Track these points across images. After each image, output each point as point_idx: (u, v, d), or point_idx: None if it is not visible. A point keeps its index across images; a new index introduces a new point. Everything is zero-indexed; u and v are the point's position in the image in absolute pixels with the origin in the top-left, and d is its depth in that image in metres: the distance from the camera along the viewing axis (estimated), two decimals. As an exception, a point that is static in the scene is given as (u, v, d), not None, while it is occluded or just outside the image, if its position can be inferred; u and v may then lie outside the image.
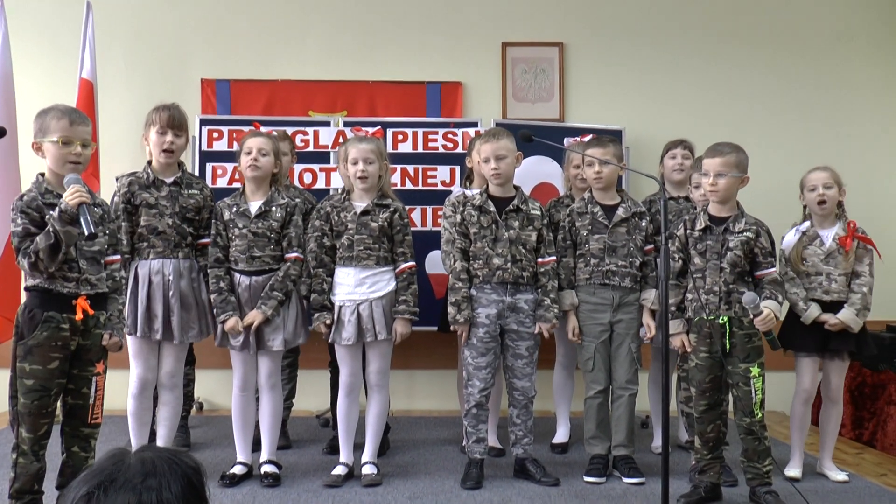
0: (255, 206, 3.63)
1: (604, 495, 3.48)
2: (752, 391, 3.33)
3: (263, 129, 3.80)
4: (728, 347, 3.36)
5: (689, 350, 3.46)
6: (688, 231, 3.49)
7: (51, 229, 2.75)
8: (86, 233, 2.73)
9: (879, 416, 4.54)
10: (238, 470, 3.63)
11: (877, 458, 4.26)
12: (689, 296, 3.48)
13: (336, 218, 3.69)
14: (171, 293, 3.54)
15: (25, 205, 2.83)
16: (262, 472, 3.62)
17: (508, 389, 3.74)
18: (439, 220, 4.45)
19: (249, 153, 3.61)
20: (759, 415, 3.34)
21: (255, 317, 3.55)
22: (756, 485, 3.37)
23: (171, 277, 3.54)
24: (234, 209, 3.64)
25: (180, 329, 3.55)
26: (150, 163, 3.66)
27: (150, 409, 3.70)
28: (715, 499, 3.41)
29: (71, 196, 2.75)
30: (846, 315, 3.63)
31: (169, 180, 3.61)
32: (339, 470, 3.66)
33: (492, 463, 3.87)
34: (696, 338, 3.45)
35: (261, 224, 3.60)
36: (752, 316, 3.25)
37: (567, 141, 4.34)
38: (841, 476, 3.74)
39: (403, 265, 3.70)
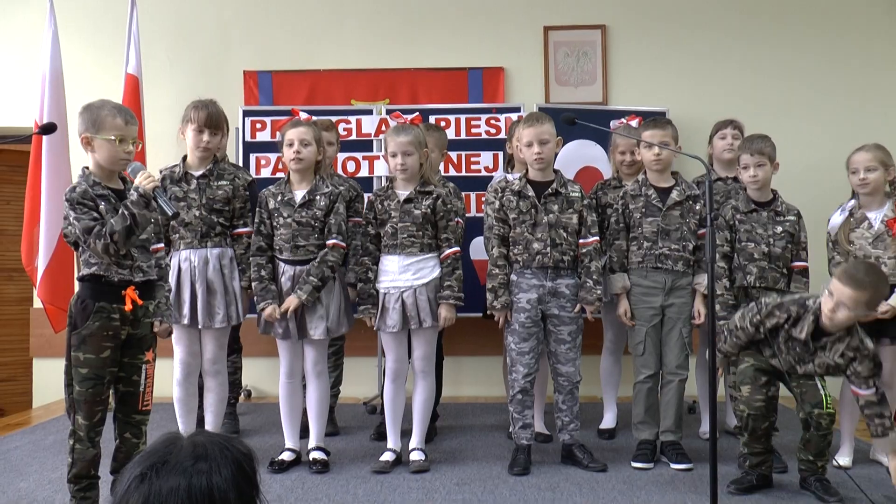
0: (299, 194, 3.65)
1: (651, 481, 3.46)
2: (819, 383, 3.21)
3: (303, 115, 3.80)
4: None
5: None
6: (735, 214, 3.47)
7: (126, 213, 2.82)
8: (169, 213, 2.89)
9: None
10: (287, 456, 3.67)
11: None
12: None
13: (380, 206, 3.71)
14: (196, 279, 3.61)
15: (80, 196, 2.88)
16: (310, 458, 3.66)
17: (553, 375, 3.72)
18: (482, 206, 4.44)
19: (291, 145, 3.61)
20: (830, 409, 3.17)
21: (291, 302, 3.57)
22: (807, 475, 3.28)
23: (197, 265, 3.62)
24: (279, 198, 3.66)
25: (204, 314, 3.61)
26: (185, 158, 3.74)
27: (196, 395, 3.77)
28: (765, 486, 3.35)
29: (146, 180, 2.86)
30: None
31: (198, 174, 3.68)
32: (387, 456, 3.68)
33: (539, 449, 3.86)
34: None
35: (305, 213, 3.62)
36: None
37: (613, 124, 4.29)
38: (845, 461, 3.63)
39: (448, 251, 3.70)
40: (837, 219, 3.71)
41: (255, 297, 3.65)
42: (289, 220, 3.62)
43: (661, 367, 3.75)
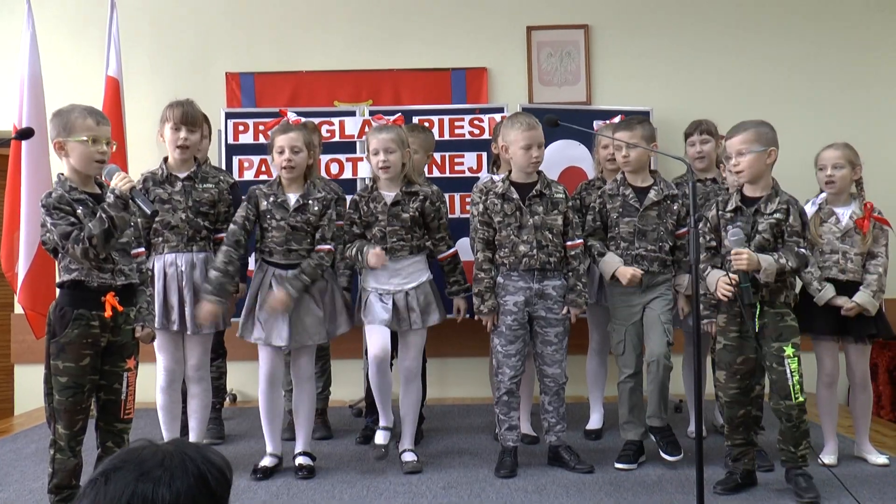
0: (292, 198, 3.59)
1: (638, 482, 3.45)
2: (788, 371, 3.21)
3: (291, 118, 3.75)
4: (757, 327, 3.26)
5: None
6: (719, 212, 3.41)
7: (104, 216, 2.79)
8: (148, 212, 2.86)
9: (920, 395, 4.45)
10: (268, 462, 3.64)
11: (919, 439, 4.18)
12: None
13: (365, 208, 3.68)
14: (184, 284, 3.57)
15: (56, 201, 2.86)
16: (296, 464, 3.62)
17: (539, 377, 3.71)
18: (468, 207, 4.43)
19: (282, 152, 3.55)
20: (799, 398, 3.20)
21: (282, 297, 3.46)
22: (790, 467, 3.29)
23: (184, 269, 3.58)
24: (271, 199, 3.59)
25: (192, 320, 3.56)
26: (166, 159, 3.69)
27: (180, 401, 3.74)
28: (750, 484, 3.36)
29: (122, 182, 2.83)
30: (862, 298, 3.53)
31: (182, 175, 3.64)
32: (381, 438, 3.69)
33: (525, 451, 3.85)
34: (725, 318, 3.37)
35: (299, 217, 3.57)
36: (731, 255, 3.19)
37: (597, 124, 4.29)
38: (881, 459, 3.65)
39: (445, 252, 3.72)
40: (809, 211, 3.71)
41: (208, 287, 3.49)
42: (282, 223, 3.56)
43: (642, 365, 3.73)
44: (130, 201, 2.84)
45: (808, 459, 3.27)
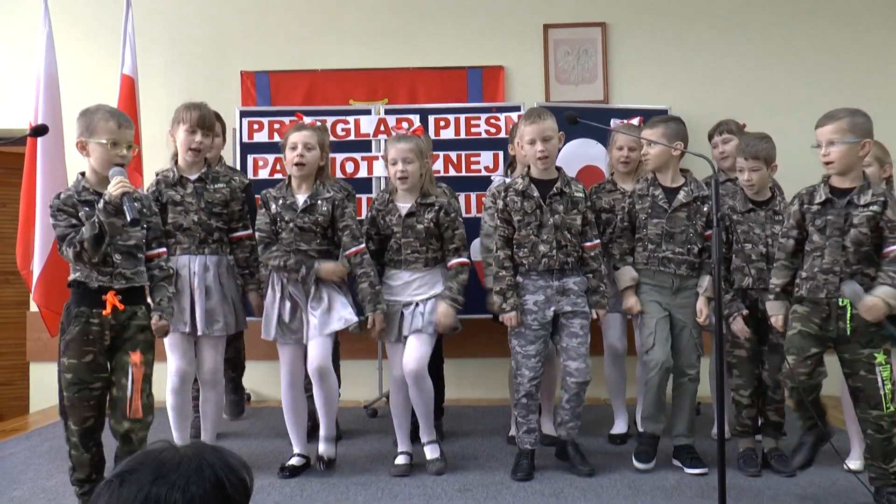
0: (301, 199, 3.58)
1: (657, 486, 3.40)
2: (879, 380, 2.98)
3: (307, 120, 3.73)
4: (849, 331, 3.04)
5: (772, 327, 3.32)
6: (804, 206, 3.18)
7: (96, 220, 2.82)
8: (128, 218, 2.80)
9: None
10: (296, 461, 3.63)
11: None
12: (804, 274, 3.16)
13: (382, 221, 3.67)
14: (196, 286, 3.55)
15: (62, 203, 2.93)
16: (319, 454, 3.64)
17: (563, 373, 3.60)
18: (482, 211, 4.38)
19: (294, 149, 3.54)
20: (891, 408, 2.98)
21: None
22: (880, 485, 3.05)
23: (196, 271, 3.56)
24: (281, 202, 3.59)
25: (204, 321, 3.55)
26: (176, 161, 3.67)
27: (190, 402, 3.73)
28: (822, 442, 3.26)
29: (114, 187, 2.82)
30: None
31: (193, 177, 3.62)
32: (402, 460, 3.66)
33: (543, 452, 3.78)
34: (808, 309, 3.13)
35: (307, 218, 3.56)
36: (857, 309, 2.97)
37: (613, 123, 4.24)
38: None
39: (455, 260, 3.67)
40: None
41: (301, 267, 3.49)
42: (290, 224, 3.56)
43: (670, 363, 3.64)
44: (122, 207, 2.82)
45: (833, 467, 3.18)
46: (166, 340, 3.48)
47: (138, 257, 3.02)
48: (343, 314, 3.55)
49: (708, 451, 3.66)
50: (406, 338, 3.63)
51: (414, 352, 3.60)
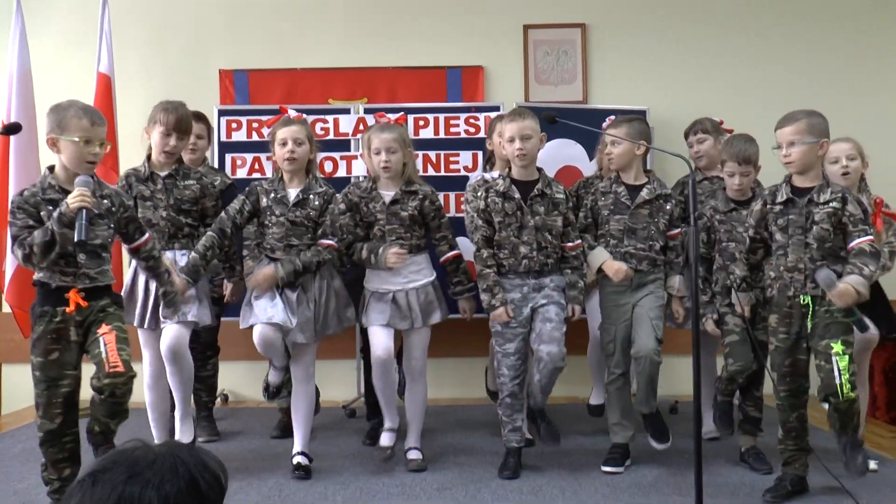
0: (292, 193, 3.56)
1: (635, 484, 3.42)
2: (836, 369, 3.03)
3: (292, 113, 3.68)
4: (809, 328, 3.13)
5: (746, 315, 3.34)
6: (767, 206, 3.25)
7: (49, 227, 2.78)
8: (75, 238, 2.74)
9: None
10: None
11: (915, 441, 4.15)
12: (772, 274, 3.23)
13: (365, 209, 3.65)
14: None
15: (24, 201, 2.89)
16: (293, 462, 3.58)
17: (536, 359, 3.56)
18: (462, 206, 4.38)
19: (284, 144, 3.52)
20: (849, 395, 3.00)
21: (268, 272, 3.44)
22: (792, 459, 3.24)
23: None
24: (272, 195, 3.56)
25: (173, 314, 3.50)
26: (149, 157, 3.64)
27: (168, 398, 3.69)
28: (801, 491, 3.23)
29: (74, 199, 2.76)
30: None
31: (164, 173, 3.59)
32: (386, 439, 3.68)
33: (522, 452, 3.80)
34: (776, 318, 3.23)
35: (299, 213, 3.54)
36: (828, 295, 3.00)
37: (605, 124, 4.25)
38: (870, 465, 3.53)
39: (448, 254, 3.69)
40: None
41: (184, 269, 3.45)
42: (281, 218, 3.53)
43: (629, 366, 3.68)
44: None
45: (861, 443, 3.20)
46: (140, 337, 3.46)
47: (103, 256, 2.98)
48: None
49: (686, 449, 3.67)
50: (402, 331, 3.66)
51: (417, 349, 3.67)
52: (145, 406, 3.68)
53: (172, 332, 3.50)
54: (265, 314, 3.42)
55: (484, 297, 3.59)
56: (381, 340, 3.60)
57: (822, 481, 3.27)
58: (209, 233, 3.52)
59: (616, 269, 3.61)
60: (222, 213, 3.56)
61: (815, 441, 3.41)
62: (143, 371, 3.59)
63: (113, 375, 2.81)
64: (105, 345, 2.86)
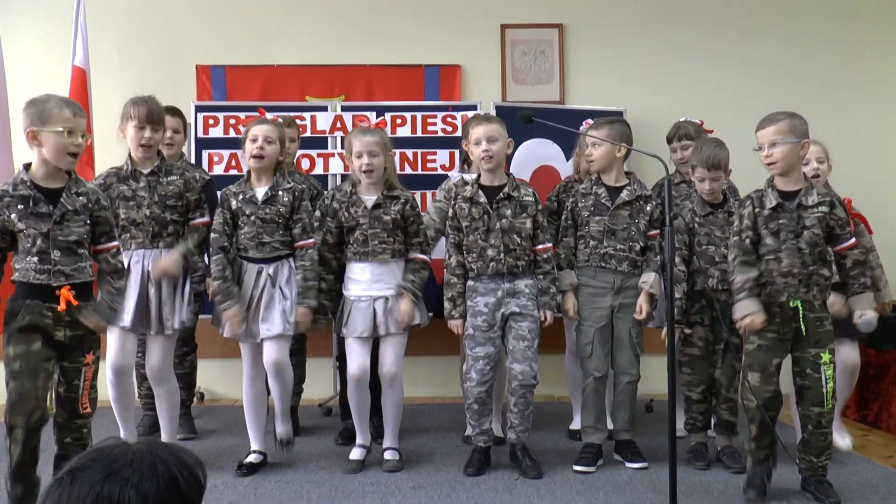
0: (261, 192, 3.56)
1: (609, 481, 3.44)
2: (823, 378, 3.10)
3: (269, 116, 3.70)
4: (804, 331, 3.13)
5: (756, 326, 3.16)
6: (756, 210, 3.23)
7: None
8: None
9: (884, 396, 4.49)
10: (254, 458, 3.62)
11: (882, 440, 4.22)
12: (762, 279, 3.19)
13: (346, 214, 3.63)
14: (149, 282, 3.48)
15: None
16: (276, 436, 3.72)
17: (509, 376, 3.63)
18: (430, 205, 4.36)
19: (255, 141, 3.53)
20: (829, 405, 3.12)
21: (304, 315, 3.52)
22: (809, 475, 3.22)
23: (149, 268, 3.48)
24: (241, 197, 3.57)
25: (156, 320, 3.48)
26: (130, 155, 3.61)
27: (132, 393, 3.68)
28: (769, 476, 3.29)
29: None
30: (868, 301, 3.28)
31: (146, 171, 3.56)
32: (356, 454, 3.68)
33: (494, 451, 3.78)
34: (763, 319, 3.18)
35: (269, 210, 3.54)
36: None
37: (583, 127, 4.27)
38: (845, 442, 3.66)
39: (417, 255, 3.66)
40: None
41: (218, 297, 3.54)
42: (252, 217, 3.54)
43: (609, 368, 3.72)
44: None
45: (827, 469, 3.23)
46: (108, 333, 3.43)
47: (79, 253, 2.91)
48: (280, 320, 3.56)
49: (661, 447, 3.72)
50: (378, 337, 3.63)
51: (391, 355, 3.62)
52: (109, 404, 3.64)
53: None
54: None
55: (446, 304, 3.63)
56: (356, 358, 3.60)
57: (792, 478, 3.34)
58: (214, 257, 3.55)
59: (568, 308, 3.72)
60: (212, 234, 3.57)
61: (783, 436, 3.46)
62: (107, 367, 3.50)
63: (84, 416, 2.91)
64: (84, 381, 2.89)
